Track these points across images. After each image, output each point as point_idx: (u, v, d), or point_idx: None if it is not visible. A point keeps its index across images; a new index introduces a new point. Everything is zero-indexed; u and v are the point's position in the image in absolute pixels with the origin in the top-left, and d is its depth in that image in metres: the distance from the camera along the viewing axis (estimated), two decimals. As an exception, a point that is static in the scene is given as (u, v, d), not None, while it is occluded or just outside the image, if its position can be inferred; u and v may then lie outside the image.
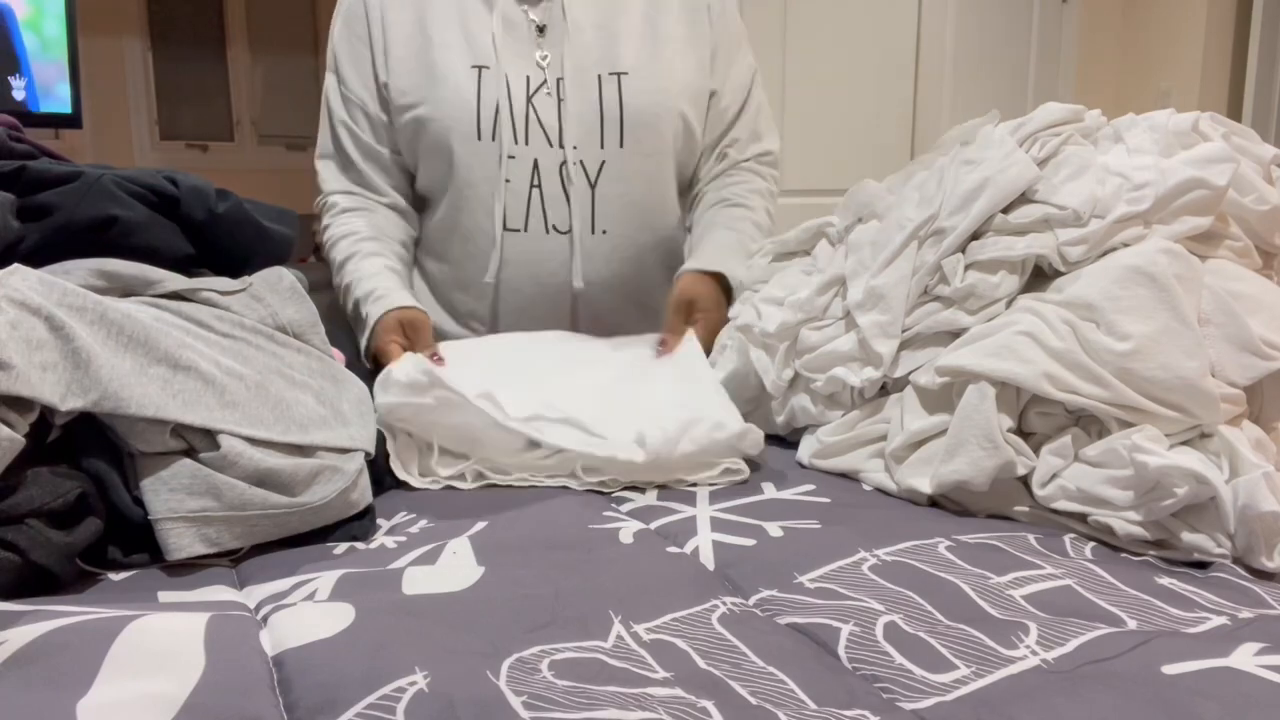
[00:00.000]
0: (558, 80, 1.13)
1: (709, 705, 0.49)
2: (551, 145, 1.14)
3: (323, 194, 1.25)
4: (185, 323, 0.75)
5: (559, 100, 1.13)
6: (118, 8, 4.80)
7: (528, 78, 1.13)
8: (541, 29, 1.15)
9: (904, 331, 0.87)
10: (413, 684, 0.49)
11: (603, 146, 1.14)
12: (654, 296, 1.24)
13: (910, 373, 0.85)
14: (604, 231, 1.17)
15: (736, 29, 1.28)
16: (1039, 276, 0.84)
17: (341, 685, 0.49)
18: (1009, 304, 0.83)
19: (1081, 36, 3.41)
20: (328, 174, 1.24)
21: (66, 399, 0.63)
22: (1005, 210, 0.85)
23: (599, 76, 1.14)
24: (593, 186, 1.16)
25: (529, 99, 1.12)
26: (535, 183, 1.14)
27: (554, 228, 1.16)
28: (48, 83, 3.41)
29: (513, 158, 1.13)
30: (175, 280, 0.79)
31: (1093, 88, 3.42)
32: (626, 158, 1.16)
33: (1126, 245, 0.79)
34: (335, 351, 0.88)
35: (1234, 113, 3.11)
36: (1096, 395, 0.73)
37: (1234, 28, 3.18)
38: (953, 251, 0.85)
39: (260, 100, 5.44)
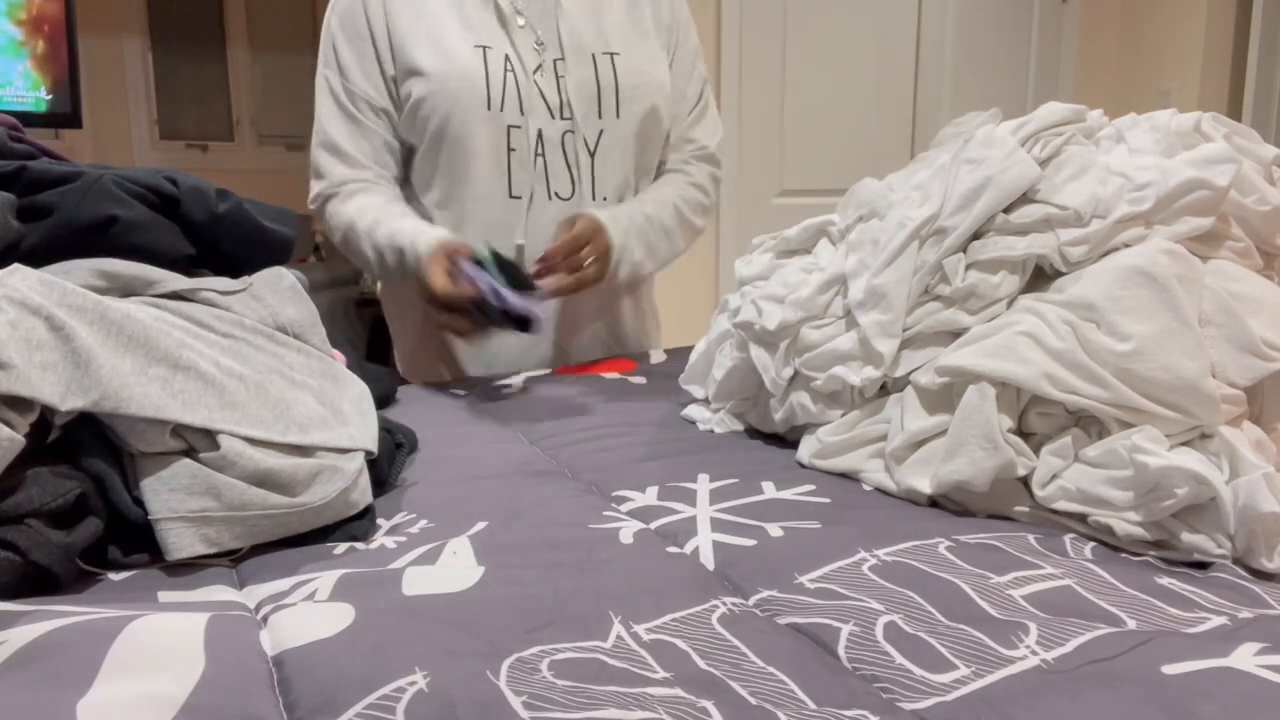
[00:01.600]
0: (554, 60, 1.23)
1: (709, 705, 0.49)
2: (554, 117, 1.23)
3: (325, 180, 1.28)
4: (185, 323, 0.75)
5: (557, 76, 1.23)
6: (118, 8, 4.80)
7: (523, 57, 1.22)
8: (522, 18, 1.24)
9: (904, 331, 0.87)
10: (413, 684, 0.49)
11: (600, 117, 1.24)
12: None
13: (910, 372, 0.85)
14: (604, 198, 1.27)
15: (686, 18, 1.40)
16: (1040, 276, 0.84)
17: (341, 685, 0.49)
18: (1010, 304, 0.83)
19: (1081, 36, 3.41)
20: (328, 163, 1.28)
21: (66, 399, 0.63)
22: (1006, 210, 0.85)
23: (593, 55, 1.25)
24: (592, 155, 1.25)
25: (530, 75, 1.21)
26: (539, 152, 1.23)
27: (556, 194, 1.24)
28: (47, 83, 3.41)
29: (517, 128, 1.21)
30: (175, 280, 0.79)
31: (1093, 88, 3.42)
32: (621, 128, 1.27)
33: (1128, 245, 0.79)
34: (335, 352, 0.88)
35: (1234, 113, 3.11)
36: (1097, 396, 0.73)
37: (1234, 28, 3.18)
38: (954, 251, 0.85)
39: (260, 100, 5.44)
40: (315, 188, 1.30)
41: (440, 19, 1.22)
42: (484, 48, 1.21)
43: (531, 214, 1.26)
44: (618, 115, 1.26)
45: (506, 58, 1.21)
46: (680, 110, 1.38)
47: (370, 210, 1.25)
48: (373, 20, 1.23)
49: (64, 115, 3.43)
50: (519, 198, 1.24)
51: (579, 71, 1.24)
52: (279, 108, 5.50)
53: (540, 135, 1.22)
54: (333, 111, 1.27)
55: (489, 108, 1.20)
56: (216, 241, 0.88)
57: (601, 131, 1.25)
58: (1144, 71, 3.38)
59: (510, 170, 1.23)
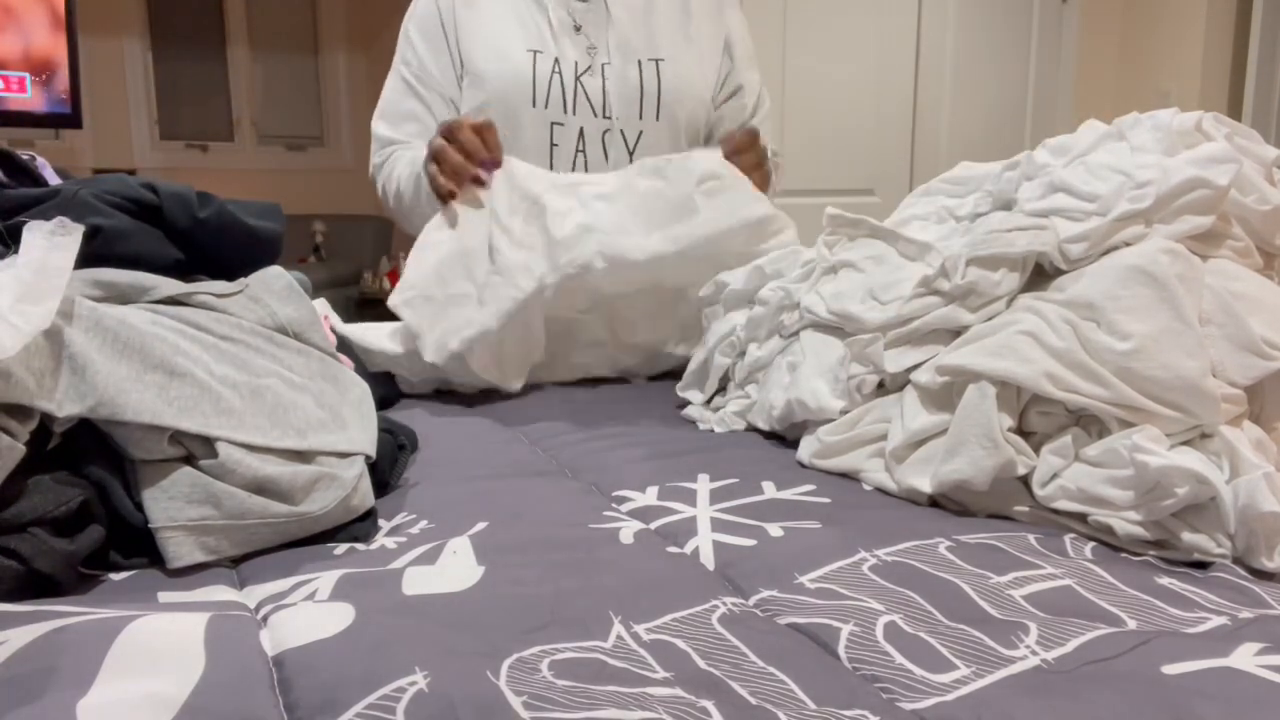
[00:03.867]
0: (603, 65, 1.35)
1: (709, 705, 0.49)
2: (596, 116, 1.34)
3: (383, 147, 1.42)
4: (184, 326, 0.75)
5: (604, 79, 1.35)
6: (118, 8, 4.80)
7: (576, 61, 1.35)
8: (579, 27, 1.36)
9: (903, 325, 0.87)
10: (413, 684, 0.49)
11: (641, 118, 1.35)
12: None
13: (910, 370, 0.86)
14: None
15: (747, 38, 1.47)
16: (1040, 275, 0.84)
17: (341, 685, 0.49)
18: (1010, 302, 0.83)
19: (1081, 36, 3.41)
20: (386, 130, 1.43)
21: (64, 405, 0.63)
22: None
23: (639, 61, 1.35)
24: (630, 154, 1.35)
25: (578, 77, 1.33)
26: (580, 148, 1.35)
27: None
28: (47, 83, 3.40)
29: (561, 124, 1.34)
30: (171, 285, 0.79)
31: (1093, 88, 3.42)
32: (661, 130, 1.37)
33: (1128, 244, 0.80)
34: (342, 356, 0.88)
35: (1234, 113, 3.11)
36: (1097, 395, 0.73)
37: (1234, 28, 3.18)
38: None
39: (260, 100, 5.44)
40: (375, 157, 1.43)
41: (498, 27, 1.37)
42: (535, 52, 1.34)
43: None
44: (657, 118, 1.35)
45: (556, 61, 1.34)
46: (739, 108, 1.46)
47: (412, 159, 1.34)
48: (446, 25, 1.40)
49: (64, 115, 3.43)
50: None
51: (624, 75, 1.34)
52: (279, 108, 5.50)
53: (582, 132, 1.33)
54: (401, 92, 1.42)
55: (534, 105, 1.33)
56: (204, 246, 0.88)
57: (641, 132, 1.35)
58: (1144, 71, 3.38)
59: (552, 162, 1.34)
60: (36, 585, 0.61)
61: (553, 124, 1.33)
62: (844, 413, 0.90)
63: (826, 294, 0.97)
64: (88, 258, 0.79)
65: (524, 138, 1.34)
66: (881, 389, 0.90)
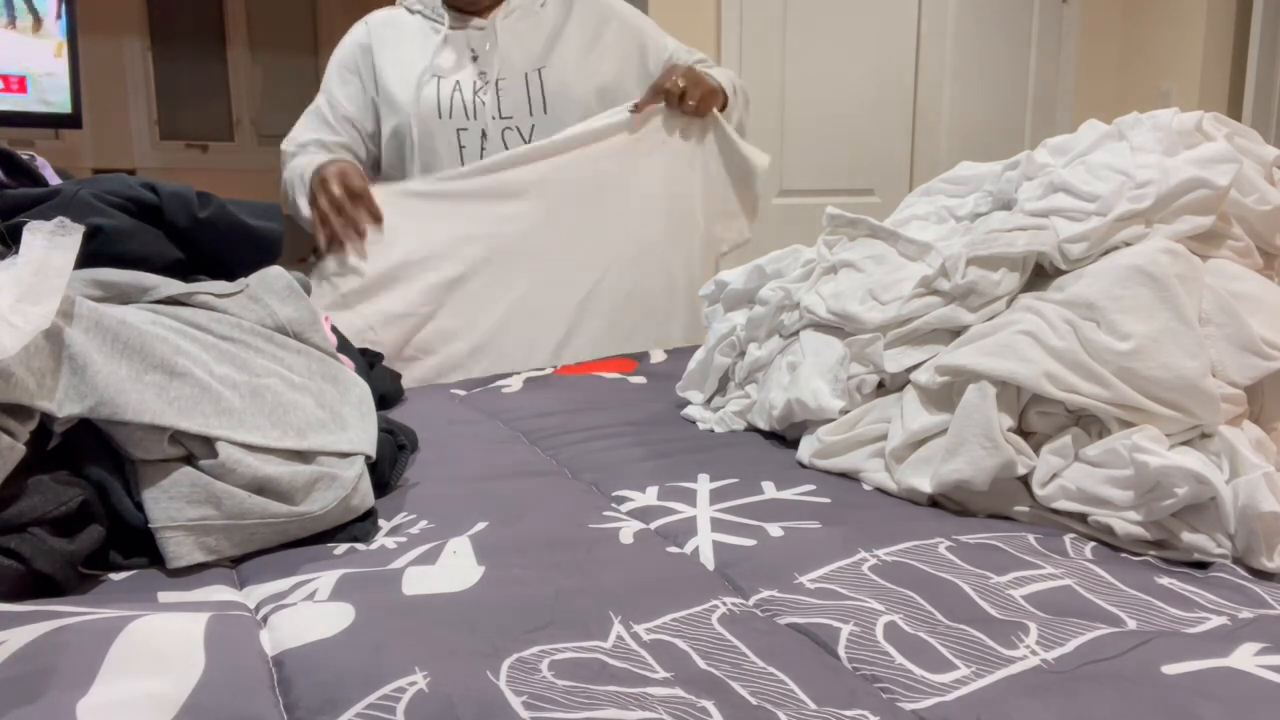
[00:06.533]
0: (497, 80, 1.69)
1: (709, 705, 0.49)
2: (494, 118, 1.69)
3: (298, 136, 1.72)
4: (184, 326, 0.75)
5: (497, 91, 1.69)
6: (118, 8, 4.79)
7: (473, 81, 1.69)
8: (475, 57, 1.70)
9: (903, 325, 0.87)
10: (413, 684, 0.49)
11: (531, 115, 1.69)
12: None
13: (910, 370, 0.85)
14: None
15: (644, 25, 1.84)
16: (1040, 275, 0.84)
17: (341, 685, 0.49)
18: (1010, 302, 0.83)
19: (1081, 37, 3.41)
20: (304, 125, 1.73)
21: (64, 405, 0.63)
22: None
23: (525, 73, 1.70)
24: (527, 142, 1.67)
25: (475, 92, 1.68)
26: (483, 146, 1.69)
27: None
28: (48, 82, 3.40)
29: (465, 129, 1.67)
30: (171, 285, 0.79)
31: (1093, 88, 3.42)
32: (549, 121, 1.70)
33: (1128, 244, 0.80)
34: (343, 357, 0.88)
35: (1234, 113, 3.11)
36: (1097, 395, 0.73)
37: (1234, 28, 3.18)
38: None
39: (260, 100, 5.44)
40: (284, 171, 1.73)
41: (409, 60, 1.69)
42: (438, 77, 1.68)
43: None
44: (545, 112, 1.69)
45: (457, 82, 1.68)
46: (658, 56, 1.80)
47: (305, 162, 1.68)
48: (362, 64, 1.73)
49: (64, 115, 3.42)
50: None
51: (513, 84, 1.70)
52: (279, 108, 5.48)
53: (484, 133, 1.68)
54: (311, 123, 1.75)
55: (440, 117, 1.66)
56: (204, 245, 0.88)
57: (534, 125, 1.69)
58: (1144, 71, 3.38)
59: (462, 158, 1.68)
60: (36, 585, 0.61)
61: (458, 130, 1.67)
62: (844, 413, 0.90)
63: (826, 294, 0.97)
64: (88, 258, 0.79)
65: (437, 143, 1.66)
66: (881, 389, 0.90)
